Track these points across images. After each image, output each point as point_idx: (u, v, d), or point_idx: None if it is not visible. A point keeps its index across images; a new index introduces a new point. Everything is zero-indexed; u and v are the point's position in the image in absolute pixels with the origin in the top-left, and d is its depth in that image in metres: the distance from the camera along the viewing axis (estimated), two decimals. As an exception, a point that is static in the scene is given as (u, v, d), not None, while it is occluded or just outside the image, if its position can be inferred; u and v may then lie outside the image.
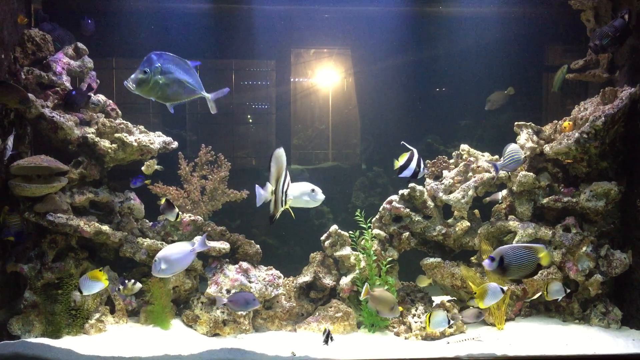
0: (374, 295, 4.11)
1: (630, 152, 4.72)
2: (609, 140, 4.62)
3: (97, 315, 4.60)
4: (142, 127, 5.24)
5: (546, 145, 4.97)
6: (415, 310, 4.72)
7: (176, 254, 3.94)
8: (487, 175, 5.07)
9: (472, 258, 5.22)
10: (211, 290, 4.70)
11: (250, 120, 7.32)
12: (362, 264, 4.84)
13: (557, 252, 4.75)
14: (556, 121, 5.14)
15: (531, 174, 4.90)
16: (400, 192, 5.16)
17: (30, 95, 4.47)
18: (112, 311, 4.79)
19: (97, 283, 4.05)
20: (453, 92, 6.97)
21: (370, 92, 7.14)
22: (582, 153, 4.70)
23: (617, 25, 4.64)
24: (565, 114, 5.18)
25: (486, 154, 5.29)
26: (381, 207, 5.18)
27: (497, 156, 5.23)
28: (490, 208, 5.34)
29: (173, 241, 5.05)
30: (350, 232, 4.99)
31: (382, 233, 5.03)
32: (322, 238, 5.09)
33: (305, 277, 4.99)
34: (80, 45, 5.18)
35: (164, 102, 3.59)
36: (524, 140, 5.06)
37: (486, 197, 5.32)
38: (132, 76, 3.40)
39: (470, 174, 5.18)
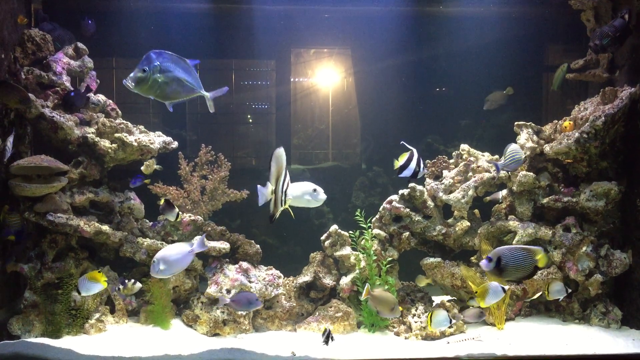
0: (374, 296, 4.12)
1: (631, 152, 4.72)
2: (609, 140, 4.62)
3: (97, 315, 4.60)
4: (142, 127, 5.25)
5: (546, 145, 4.97)
6: (415, 310, 4.72)
7: (175, 254, 3.94)
8: (487, 175, 5.07)
9: (472, 258, 5.22)
10: (211, 290, 4.70)
11: (250, 120, 7.32)
12: (362, 263, 4.84)
13: (557, 252, 4.75)
14: (556, 121, 5.14)
15: (531, 173, 4.90)
16: (400, 192, 5.16)
17: (30, 95, 4.47)
18: (112, 311, 4.79)
19: (95, 284, 4.05)
20: (453, 92, 6.97)
21: (370, 92, 7.14)
22: (582, 153, 4.70)
23: (617, 25, 4.64)
24: (565, 113, 5.18)
25: (486, 154, 5.29)
26: (381, 207, 5.18)
27: (497, 156, 5.23)
28: (491, 207, 5.34)
29: (173, 241, 5.05)
30: (350, 232, 4.99)
31: (382, 233, 5.03)
32: (322, 238, 5.09)
33: (305, 277, 4.99)
34: (80, 45, 5.18)
35: (162, 101, 3.58)
36: (524, 140, 5.06)
37: (487, 196, 5.32)
38: (131, 75, 3.40)
39: (470, 173, 5.18)
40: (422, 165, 4.02)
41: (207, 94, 3.74)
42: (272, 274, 4.98)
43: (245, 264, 4.94)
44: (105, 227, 4.74)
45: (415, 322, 4.60)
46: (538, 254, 3.37)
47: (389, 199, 5.17)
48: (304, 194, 3.79)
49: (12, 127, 4.54)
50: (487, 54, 6.44)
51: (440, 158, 5.39)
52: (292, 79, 7.22)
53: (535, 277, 4.75)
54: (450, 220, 5.14)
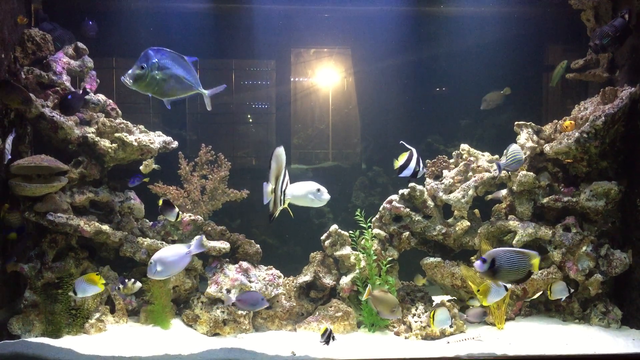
0: (375, 296, 4.11)
1: (631, 151, 4.72)
2: (609, 140, 4.62)
3: (97, 315, 4.60)
4: (142, 127, 5.24)
5: (546, 144, 4.97)
6: (416, 310, 4.72)
7: (172, 256, 3.93)
8: (487, 174, 5.07)
9: (472, 258, 5.22)
10: (211, 289, 4.70)
11: (250, 120, 7.33)
12: (362, 263, 4.84)
13: (557, 252, 4.75)
14: (556, 121, 5.14)
15: (531, 173, 4.90)
16: (400, 191, 5.16)
17: (30, 95, 4.47)
18: (112, 311, 4.79)
19: (92, 286, 4.02)
20: (453, 91, 6.97)
21: (371, 92, 7.14)
22: (582, 152, 4.70)
23: (617, 24, 4.64)
24: (565, 113, 5.17)
25: (486, 154, 5.29)
26: (381, 207, 5.18)
27: (497, 156, 5.24)
28: (491, 207, 5.34)
29: (173, 241, 5.06)
30: (350, 231, 4.99)
31: (382, 233, 5.03)
32: (322, 238, 5.09)
33: (306, 277, 4.99)
34: (80, 44, 5.18)
35: (160, 98, 3.58)
36: (524, 139, 5.06)
37: (488, 195, 5.32)
38: (130, 71, 3.40)
39: (470, 173, 5.18)
40: (421, 165, 4.02)
41: (205, 92, 3.75)
42: (272, 274, 4.98)
43: (245, 264, 4.94)
44: (106, 227, 4.75)
45: (415, 322, 4.60)
46: (533, 258, 3.36)
47: (389, 198, 5.17)
48: (307, 193, 3.76)
49: (12, 126, 4.54)
50: (487, 54, 6.44)
51: (440, 158, 5.39)
52: (292, 79, 7.22)
53: (535, 277, 4.76)
54: (450, 220, 5.14)
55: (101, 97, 5.14)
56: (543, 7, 6.40)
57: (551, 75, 5.72)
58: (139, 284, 4.57)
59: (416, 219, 5.06)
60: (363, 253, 4.88)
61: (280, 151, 3.22)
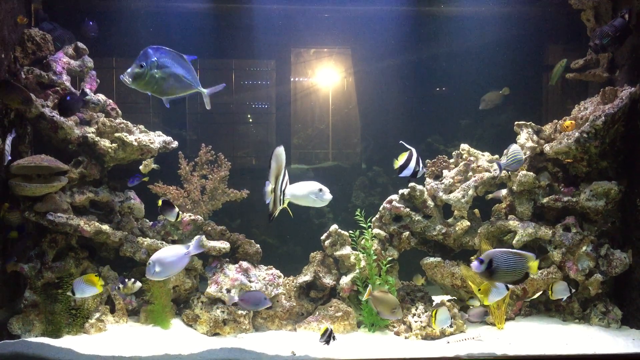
0: (376, 297, 4.11)
1: (631, 151, 4.72)
2: (609, 140, 4.62)
3: (97, 315, 4.60)
4: (142, 127, 5.24)
5: (546, 144, 4.96)
6: (416, 310, 4.72)
7: (170, 257, 3.92)
8: (487, 174, 5.07)
9: (472, 258, 5.22)
10: (211, 289, 4.70)
11: (250, 120, 7.33)
12: (362, 263, 4.84)
13: (557, 252, 4.75)
14: (556, 120, 5.14)
15: (531, 173, 4.90)
16: (400, 191, 5.16)
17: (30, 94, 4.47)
18: (112, 310, 4.79)
19: (90, 288, 4.01)
20: (453, 91, 6.97)
21: (371, 92, 7.14)
22: (582, 152, 4.70)
23: (617, 24, 4.64)
24: (565, 113, 5.18)
25: (486, 154, 5.29)
26: (381, 207, 5.18)
27: (497, 156, 5.24)
28: (491, 207, 5.34)
29: (173, 241, 5.06)
30: (350, 231, 4.99)
31: (382, 232, 5.03)
32: (322, 237, 5.09)
33: (306, 277, 4.99)
34: (80, 44, 5.18)
35: (160, 97, 3.58)
36: (524, 139, 5.06)
37: (488, 194, 5.32)
38: (129, 70, 3.39)
39: (470, 173, 5.18)
40: (421, 165, 4.02)
41: (204, 90, 3.75)
42: (272, 274, 4.98)
43: (245, 264, 4.94)
44: (106, 227, 4.75)
45: (415, 322, 4.60)
46: (530, 260, 3.37)
47: (389, 198, 5.17)
48: (309, 193, 3.74)
49: (12, 126, 4.54)
50: (487, 53, 6.44)
51: (440, 158, 5.39)
52: (292, 79, 7.23)
53: (535, 277, 4.76)
54: (450, 220, 5.14)
55: (101, 97, 5.14)
56: (543, 7, 6.41)
57: (551, 74, 5.71)
58: (139, 284, 4.57)
59: (416, 218, 5.06)
60: (363, 253, 4.88)
61: (280, 151, 3.22)
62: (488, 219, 5.21)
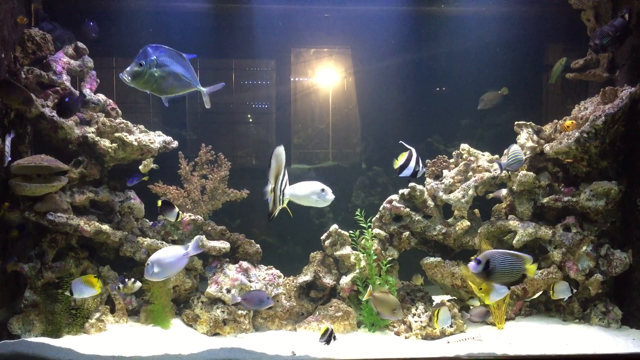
0: (376, 297, 4.11)
1: (631, 151, 4.72)
2: (609, 140, 4.62)
3: (97, 315, 4.60)
4: (142, 127, 5.25)
5: (546, 144, 4.96)
6: (416, 310, 4.72)
7: (169, 257, 3.91)
8: (487, 174, 5.07)
9: (472, 258, 5.21)
10: (211, 289, 4.70)
11: (251, 120, 7.32)
12: (362, 263, 4.84)
13: (557, 252, 4.75)
14: (556, 120, 5.14)
15: (531, 173, 4.90)
16: (401, 191, 5.16)
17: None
18: (112, 310, 4.79)
19: (89, 288, 4.01)
20: (453, 91, 6.96)
21: (371, 92, 7.14)
22: (582, 152, 4.70)
23: (617, 24, 4.64)
24: (565, 113, 5.18)
25: (486, 154, 5.29)
26: (381, 207, 5.17)
27: (497, 155, 5.24)
28: (491, 207, 5.34)
29: (173, 241, 5.06)
30: (351, 231, 4.99)
31: (382, 232, 5.03)
32: (322, 237, 5.09)
33: (306, 277, 4.99)
34: (80, 44, 5.18)
35: (159, 95, 3.57)
36: (524, 139, 5.06)
37: (488, 194, 5.32)
38: (128, 68, 3.39)
39: (470, 173, 5.18)
40: (421, 165, 4.03)
41: (203, 89, 3.75)
42: (272, 274, 4.98)
43: (245, 264, 4.94)
44: (106, 227, 4.75)
45: (416, 322, 4.60)
46: (528, 262, 3.37)
47: (389, 198, 5.17)
48: (311, 193, 3.73)
49: (12, 126, 4.54)
50: (487, 53, 6.44)
51: (441, 158, 5.39)
52: (292, 79, 7.22)
53: (535, 276, 4.77)
54: (450, 220, 5.14)
55: (101, 96, 5.14)
56: (543, 7, 6.40)
57: (550, 72, 5.71)
58: (139, 284, 4.56)
59: (416, 218, 5.06)
60: (363, 253, 4.88)
61: (280, 150, 3.22)
62: (488, 219, 5.21)
